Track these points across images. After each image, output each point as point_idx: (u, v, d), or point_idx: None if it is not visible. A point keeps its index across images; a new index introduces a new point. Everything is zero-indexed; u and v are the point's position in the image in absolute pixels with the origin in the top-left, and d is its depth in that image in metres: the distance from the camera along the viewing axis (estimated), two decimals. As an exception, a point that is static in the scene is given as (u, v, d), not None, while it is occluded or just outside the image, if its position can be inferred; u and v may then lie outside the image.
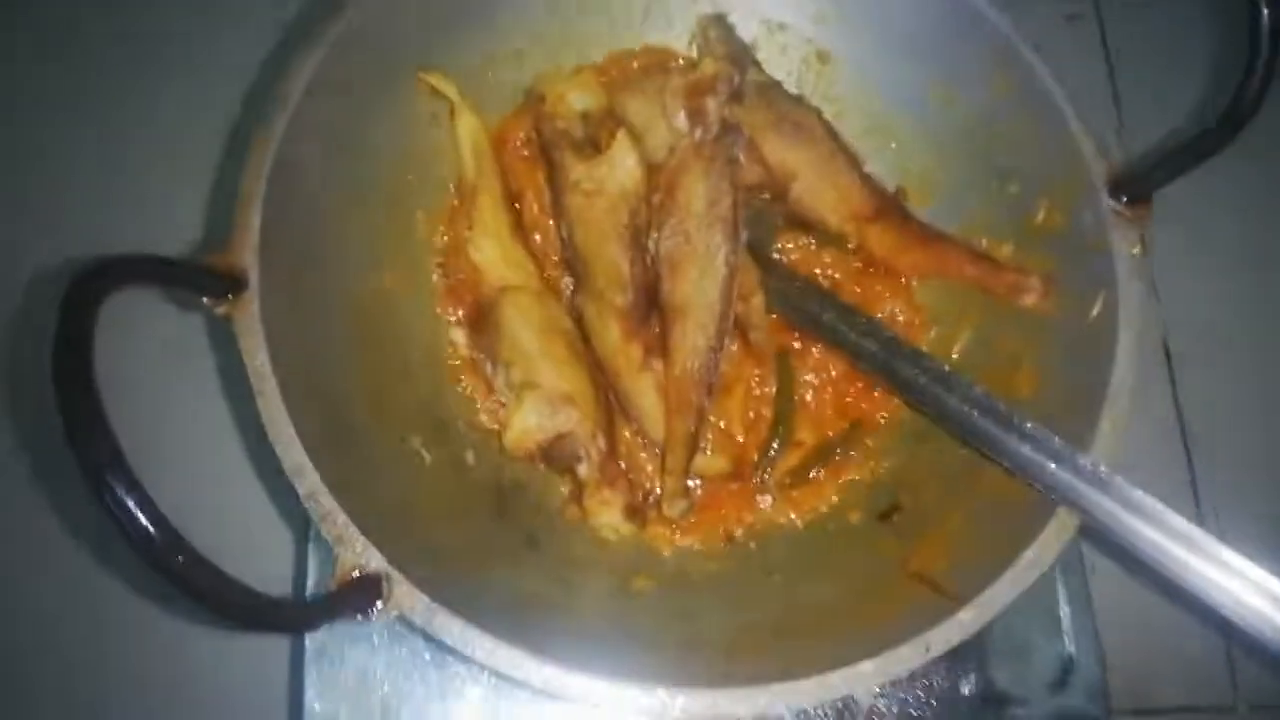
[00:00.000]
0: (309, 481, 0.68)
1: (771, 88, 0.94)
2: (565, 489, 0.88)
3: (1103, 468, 0.71)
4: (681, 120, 0.87)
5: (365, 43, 0.81)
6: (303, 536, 0.91)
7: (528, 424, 0.84)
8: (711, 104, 0.86)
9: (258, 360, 0.70)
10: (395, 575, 0.66)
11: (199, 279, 0.70)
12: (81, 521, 0.98)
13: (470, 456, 0.86)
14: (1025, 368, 0.85)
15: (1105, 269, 0.80)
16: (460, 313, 0.91)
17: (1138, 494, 0.70)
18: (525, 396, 0.84)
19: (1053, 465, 0.73)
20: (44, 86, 1.12)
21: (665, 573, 0.85)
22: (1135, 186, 0.80)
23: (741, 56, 0.92)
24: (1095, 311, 0.80)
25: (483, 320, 0.89)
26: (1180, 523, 0.68)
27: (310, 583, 0.86)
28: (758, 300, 0.87)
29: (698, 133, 0.86)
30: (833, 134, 0.94)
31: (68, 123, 1.10)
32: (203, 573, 0.53)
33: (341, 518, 0.67)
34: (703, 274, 0.85)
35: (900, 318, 0.94)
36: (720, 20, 0.95)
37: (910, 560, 0.80)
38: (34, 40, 1.14)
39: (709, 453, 0.89)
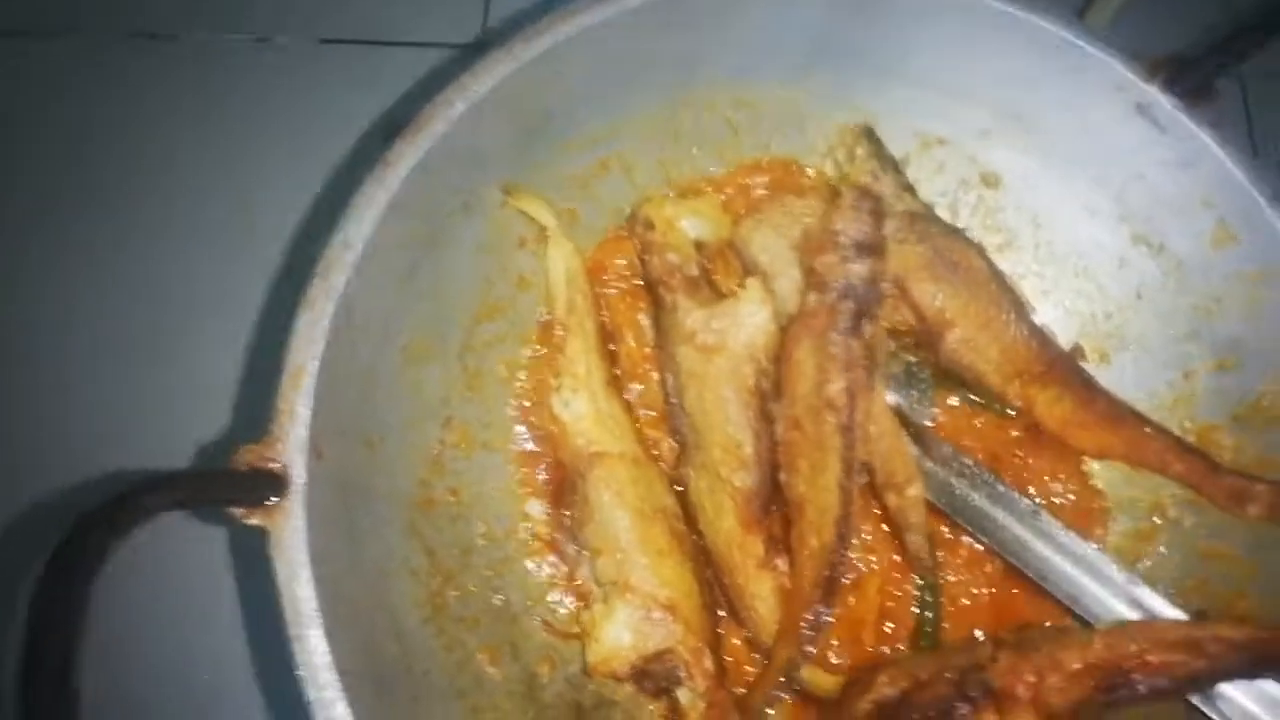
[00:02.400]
0: (357, 763, 0.52)
1: (924, 217, 0.77)
2: (660, 713, 0.71)
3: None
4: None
5: (450, 162, 0.65)
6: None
7: (620, 640, 0.67)
8: (829, 262, 0.69)
9: (300, 593, 0.54)
10: None
11: (228, 488, 0.54)
12: None
13: (545, 670, 0.70)
14: (1247, 594, 0.68)
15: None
16: (540, 479, 0.75)
17: None
18: (616, 603, 0.68)
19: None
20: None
21: (781, 830, 0.68)
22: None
23: (883, 190, 0.75)
24: (1352, 541, 0.63)
25: (567, 492, 0.73)
26: None
27: None
28: (915, 491, 0.70)
29: (811, 298, 0.70)
30: (997, 275, 0.77)
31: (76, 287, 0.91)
32: None
33: (394, 812, 0.52)
34: (814, 469, 0.68)
35: (1070, 501, 0.77)
36: (869, 134, 0.79)
37: None
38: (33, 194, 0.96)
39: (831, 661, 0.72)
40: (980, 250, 0.78)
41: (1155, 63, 0.69)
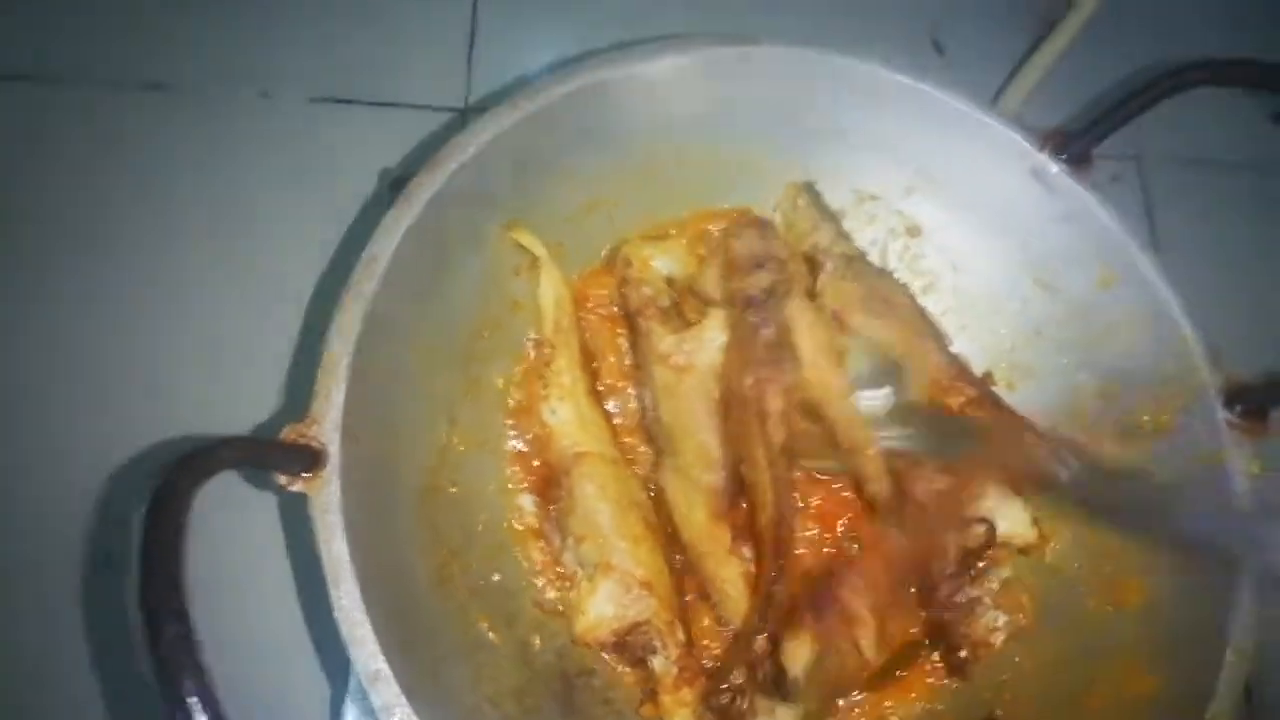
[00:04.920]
0: (387, 693, 0.61)
1: (859, 260, 0.91)
2: (633, 681, 0.81)
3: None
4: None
5: (460, 197, 0.77)
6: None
7: (602, 611, 0.77)
8: (733, 281, 0.84)
9: (335, 548, 0.63)
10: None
11: (278, 457, 0.64)
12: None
13: (536, 640, 0.79)
14: (1133, 580, 0.80)
15: (1221, 485, 0.77)
16: (530, 478, 0.85)
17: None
18: (599, 580, 0.78)
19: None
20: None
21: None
22: (1250, 397, 0.77)
23: (821, 236, 0.90)
24: (1212, 530, 0.76)
25: (553, 488, 0.84)
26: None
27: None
28: (873, 452, 0.82)
29: (733, 315, 0.84)
30: (921, 311, 0.91)
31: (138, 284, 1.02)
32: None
33: (417, 740, 0.60)
34: (750, 456, 0.80)
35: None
36: (809, 189, 0.93)
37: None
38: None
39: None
40: (905, 289, 0.92)
41: (1044, 135, 0.84)
